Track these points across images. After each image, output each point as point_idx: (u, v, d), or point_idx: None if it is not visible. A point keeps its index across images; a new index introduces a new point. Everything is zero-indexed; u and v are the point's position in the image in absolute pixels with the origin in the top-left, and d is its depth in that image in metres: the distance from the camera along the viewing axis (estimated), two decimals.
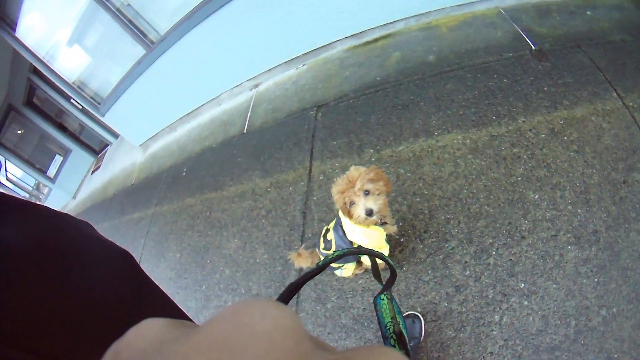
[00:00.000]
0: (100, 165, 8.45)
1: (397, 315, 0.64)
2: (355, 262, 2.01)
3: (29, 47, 5.26)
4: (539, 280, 1.84)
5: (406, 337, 0.60)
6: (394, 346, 0.58)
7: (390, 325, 0.61)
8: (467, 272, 1.99)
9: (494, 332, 1.79)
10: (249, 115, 4.29)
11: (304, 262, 2.09)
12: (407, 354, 0.57)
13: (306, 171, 3.06)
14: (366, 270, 2.18)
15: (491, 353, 1.75)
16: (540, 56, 2.75)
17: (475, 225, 2.13)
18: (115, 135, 8.27)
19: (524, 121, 2.41)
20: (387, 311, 0.64)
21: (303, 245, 2.47)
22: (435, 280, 2.03)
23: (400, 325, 0.61)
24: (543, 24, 3.01)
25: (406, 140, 2.72)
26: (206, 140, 4.66)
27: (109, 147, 8.85)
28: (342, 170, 2.78)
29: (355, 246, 1.80)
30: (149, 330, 0.20)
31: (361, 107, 3.21)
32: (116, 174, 6.77)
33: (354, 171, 1.66)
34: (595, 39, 2.77)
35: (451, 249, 2.10)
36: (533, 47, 2.83)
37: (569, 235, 1.91)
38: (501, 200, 2.16)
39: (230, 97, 4.88)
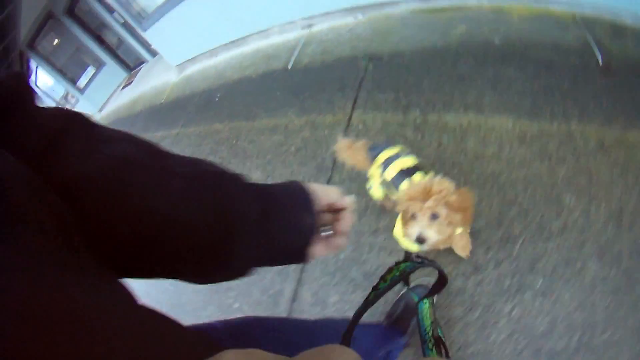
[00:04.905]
0: (132, 81, 8.48)
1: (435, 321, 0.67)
2: (383, 188, 1.88)
3: None
4: (555, 284, 1.76)
5: (445, 342, 0.64)
6: (431, 350, 0.63)
7: (430, 329, 0.66)
8: (489, 256, 1.92)
9: (501, 323, 1.72)
10: (296, 52, 4.16)
11: (352, 157, 1.92)
12: (447, 356, 0.56)
13: (346, 117, 2.96)
14: (388, 210, 2.11)
15: (493, 342, 1.68)
16: (605, 72, 2.58)
17: (507, 211, 2.04)
18: (153, 54, 8.21)
19: (576, 126, 2.28)
20: (428, 315, 0.72)
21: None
22: (456, 254, 1.96)
23: (439, 331, 0.64)
24: (615, 43, 2.81)
25: (455, 111, 2.61)
26: (246, 69, 4.57)
27: (144, 64, 8.84)
28: (384, 125, 2.74)
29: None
30: None
31: (415, 68, 3.07)
32: (147, 91, 6.76)
33: (438, 184, 1.37)
34: None
35: (478, 229, 2.02)
36: (600, 61, 2.65)
37: (594, 248, 1.81)
38: (538, 195, 2.06)
39: (280, 33, 4.72)
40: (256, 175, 3.03)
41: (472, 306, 1.80)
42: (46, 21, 8.15)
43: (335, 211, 0.68)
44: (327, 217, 0.67)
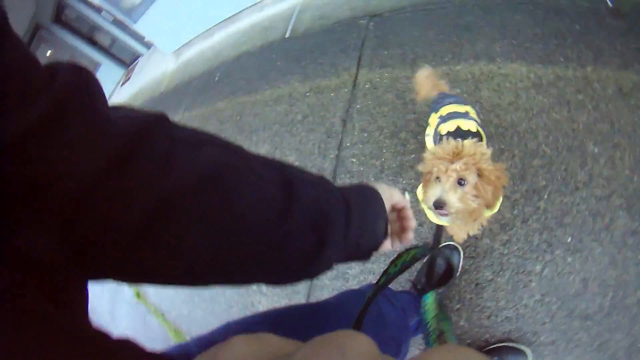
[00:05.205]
0: (130, 77, 8.52)
1: (440, 314, 0.67)
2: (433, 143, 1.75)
3: None
4: (586, 239, 1.65)
5: (446, 337, 0.62)
6: (434, 342, 0.61)
7: (434, 322, 0.63)
8: (516, 211, 1.81)
9: (533, 284, 1.63)
10: (292, 21, 4.04)
11: (433, 88, 1.78)
12: None
13: (351, 78, 2.85)
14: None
15: (525, 306, 1.60)
16: (616, 15, 2.43)
17: (530, 162, 1.93)
18: (148, 46, 8.21)
19: (592, 70, 2.14)
20: (432, 309, 0.67)
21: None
22: None
23: (444, 324, 0.64)
24: None
25: (466, 61, 2.49)
26: (244, 45, 4.48)
27: (140, 58, 8.83)
28: (392, 81, 2.61)
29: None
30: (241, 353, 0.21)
31: (419, 22, 2.93)
32: (146, 84, 6.77)
33: (471, 146, 1.16)
34: None
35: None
36: (610, 4, 2.49)
37: (622, 200, 1.70)
38: (560, 143, 1.94)
39: (274, 3, 4.61)
40: (264, 148, 2.96)
41: (501, 268, 1.71)
42: (35, 33, 8.18)
43: (397, 210, 0.73)
44: (392, 216, 0.71)
